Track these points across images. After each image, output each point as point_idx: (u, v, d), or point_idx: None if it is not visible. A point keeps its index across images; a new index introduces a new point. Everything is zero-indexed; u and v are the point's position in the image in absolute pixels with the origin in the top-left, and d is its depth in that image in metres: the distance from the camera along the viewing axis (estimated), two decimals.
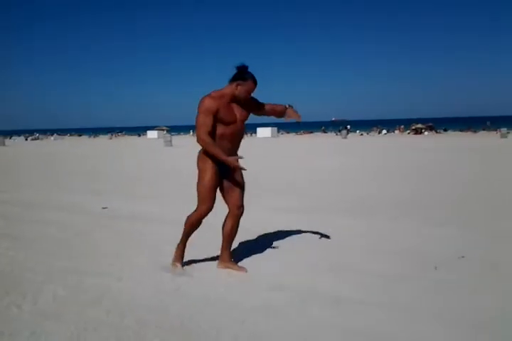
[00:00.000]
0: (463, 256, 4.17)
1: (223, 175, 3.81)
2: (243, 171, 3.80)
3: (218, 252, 4.05)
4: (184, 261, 4.07)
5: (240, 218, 3.88)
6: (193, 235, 3.96)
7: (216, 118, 3.60)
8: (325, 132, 60.06)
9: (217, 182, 3.78)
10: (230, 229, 3.89)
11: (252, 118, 3.93)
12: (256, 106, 3.89)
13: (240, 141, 3.85)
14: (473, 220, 5.73)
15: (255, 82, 3.65)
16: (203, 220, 3.87)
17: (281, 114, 3.99)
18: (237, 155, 3.80)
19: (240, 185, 3.84)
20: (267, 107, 3.96)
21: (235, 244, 4.62)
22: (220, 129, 3.65)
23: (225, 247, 3.96)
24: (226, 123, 3.64)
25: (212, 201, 3.76)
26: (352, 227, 5.43)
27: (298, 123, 3.97)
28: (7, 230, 5.52)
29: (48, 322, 2.90)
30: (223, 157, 3.56)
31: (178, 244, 4.00)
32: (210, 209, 3.78)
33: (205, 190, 3.72)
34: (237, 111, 3.71)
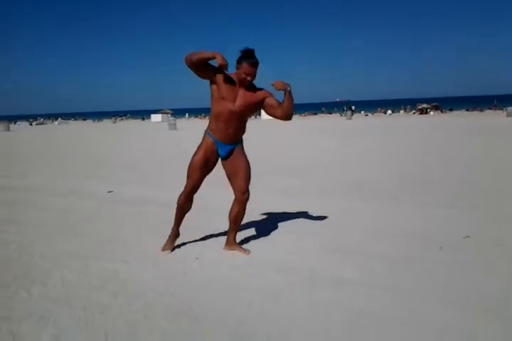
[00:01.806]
0: (468, 236, 4.18)
1: (227, 160, 3.81)
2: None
3: (225, 237, 4.10)
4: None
5: (245, 203, 3.87)
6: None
7: (214, 88, 3.64)
8: (329, 113, 59.73)
9: (207, 166, 3.79)
10: (236, 214, 3.91)
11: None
12: (269, 105, 3.76)
13: (238, 124, 3.75)
14: (479, 201, 5.71)
15: (251, 64, 3.55)
16: (193, 202, 3.97)
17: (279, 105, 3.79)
18: (238, 140, 3.82)
19: (244, 170, 3.81)
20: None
21: (242, 228, 4.66)
22: (217, 107, 3.68)
23: (231, 230, 4.00)
24: (222, 99, 3.63)
25: (196, 181, 3.80)
26: (356, 209, 5.43)
27: (285, 94, 3.62)
28: (14, 215, 5.56)
29: (57, 306, 2.94)
30: (209, 54, 3.45)
31: (172, 228, 4.07)
32: (193, 187, 3.84)
33: (191, 168, 3.79)
34: (243, 94, 3.66)
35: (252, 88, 3.72)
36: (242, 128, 3.83)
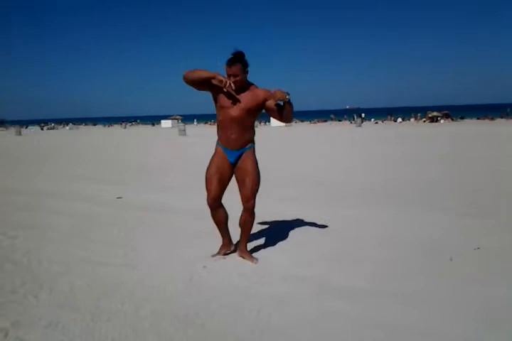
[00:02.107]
0: (478, 248, 4.12)
1: (236, 167, 3.82)
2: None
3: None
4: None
5: (250, 211, 3.84)
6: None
7: (215, 98, 3.73)
8: (339, 120, 59.62)
9: (222, 173, 3.81)
10: (243, 222, 3.90)
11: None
12: (271, 109, 3.72)
13: (240, 130, 3.73)
14: (492, 210, 5.64)
15: (229, 65, 3.56)
16: (224, 211, 4.00)
17: (280, 109, 3.72)
18: (244, 145, 3.79)
19: (250, 178, 3.76)
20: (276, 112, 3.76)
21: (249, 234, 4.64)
22: (219, 115, 3.75)
23: (241, 238, 3.99)
24: (221, 107, 3.70)
25: (213, 191, 3.83)
26: (365, 216, 5.40)
27: (285, 103, 3.57)
28: (24, 220, 5.59)
29: (64, 312, 2.94)
30: (209, 74, 3.54)
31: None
32: (212, 199, 3.86)
33: (206, 180, 3.85)
34: (241, 98, 3.67)
35: (251, 90, 3.69)
36: (246, 133, 3.78)
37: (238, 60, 3.58)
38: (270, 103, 3.66)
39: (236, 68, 3.55)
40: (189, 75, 3.61)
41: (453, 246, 4.20)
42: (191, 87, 3.71)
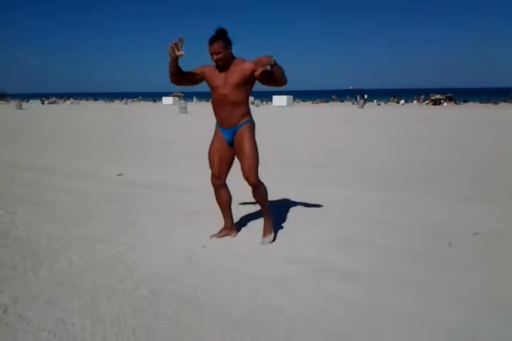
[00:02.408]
0: (477, 233, 4.12)
1: (234, 146, 3.80)
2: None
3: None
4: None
5: (256, 189, 3.80)
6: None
7: (207, 81, 3.76)
8: (341, 101, 59.22)
9: (222, 153, 3.83)
10: (255, 198, 3.89)
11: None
12: (261, 77, 3.59)
13: (230, 107, 3.67)
14: (496, 195, 5.61)
15: (209, 43, 3.54)
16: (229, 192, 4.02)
17: (267, 73, 3.56)
18: (237, 123, 3.72)
19: (246, 155, 3.70)
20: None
21: (250, 216, 4.64)
22: (211, 95, 3.78)
23: (262, 214, 4.02)
24: (212, 88, 3.73)
25: (215, 170, 3.87)
26: (368, 200, 5.38)
27: (272, 67, 3.40)
28: (24, 196, 5.59)
29: (63, 289, 2.95)
30: (169, 59, 3.54)
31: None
32: (214, 177, 3.90)
33: (209, 156, 3.90)
34: (227, 75, 3.63)
35: (238, 65, 3.62)
36: (237, 110, 3.69)
37: (218, 37, 3.53)
38: (258, 72, 3.56)
39: (217, 46, 3.52)
40: (170, 76, 3.66)
41: (453, 231, 4.19)
42: (187, 85, 3.81)
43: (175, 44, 3.43)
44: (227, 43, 3.57)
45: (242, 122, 3.73)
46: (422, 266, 3.36)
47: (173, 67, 3.56)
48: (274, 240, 3.92)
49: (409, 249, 3.73)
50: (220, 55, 3.53)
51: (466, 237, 4.02)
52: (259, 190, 3.82)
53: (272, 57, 3.37)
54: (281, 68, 3.46)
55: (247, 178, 3.74)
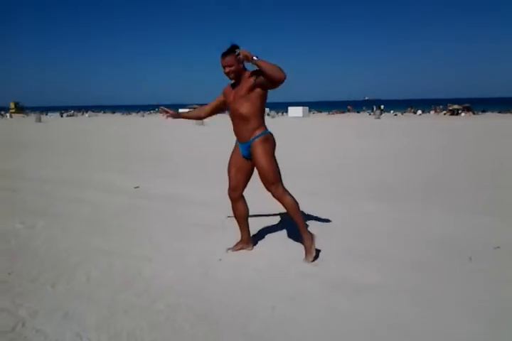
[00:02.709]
0: (498, 247, 4.04)
1: (252, 160, 3.80)
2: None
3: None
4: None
5: (280, 199, 3.75)
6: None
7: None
8: (357, 112, 59.03)
9: (239, 166, 3.86)
10: (286, 210, 3.82)
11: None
12: (261, 83, 3.56)
13: (241, 121, 3.68)
14: (510, 208, 5.52)
15: (221, 58, 3.64)
16: (246, 206, 4.03)
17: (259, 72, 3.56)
18: (249, 137, 3.71)
19: (261, 168, 3.68)
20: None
21: (267, 229, 4.63)
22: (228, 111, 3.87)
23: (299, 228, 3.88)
24: (227, 104, 3.85)
25: (232, 182, 3.90)
26: (384, 213, 5.33)
27: (257, 63, 3.41)
28: (42, 208, 5.66)
29: (81, 303, 2.97)
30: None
31: None
32: (230, 189, 3.94)
33: (227, 169, 3.95)
34: (236, 90, 3.71)
35: (246, 77, 3.65)
36: (247, 125, 3.68)
37: (231, 51, 3.61)
38: (258, 78, 3.54)
39: (229, 58, 3.59)
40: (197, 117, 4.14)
41: (471, 245, 4.12)
42: (223, 112, 4.15)
43: (164, 111, 4.04)
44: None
45: (254, 136, 3.70)
46: (439, 282, 3.31)
47: (189, 118, 4.04)
48: (314, 259, 3.75)
49: (426, 263, 3.68)
50: (232, 68, 3.60)
51: (486, 251, 3.95)
52: (283, 202, 3.75)
53: (248, 52, 3.46)
54: (267, 62, 3.42)
55: (268, 190, 3.76)
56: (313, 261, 3.74)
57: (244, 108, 3.63)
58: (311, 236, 3.79)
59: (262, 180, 3.72)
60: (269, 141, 3.74)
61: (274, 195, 3.75)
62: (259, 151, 3.68)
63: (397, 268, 3.56)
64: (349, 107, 62.86)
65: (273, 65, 3.39)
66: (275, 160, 3.76)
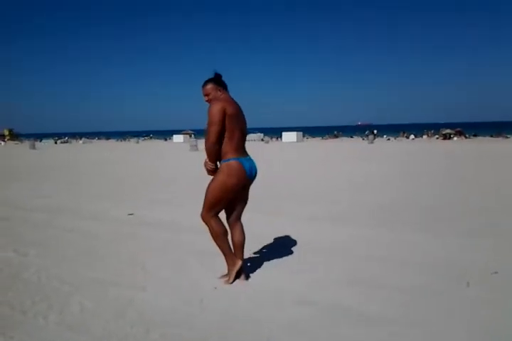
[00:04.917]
0: (496, 272, 4.02)
1: None
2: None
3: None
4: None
5: (203, 221, 3.90)
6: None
7: None
8: (351, 137, 59.51)
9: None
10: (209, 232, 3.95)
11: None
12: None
13: (210, 145, 3.70)
14: (507, 232, 5.52)
15: (202, 85, 3.80)
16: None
17: None
18: (215, 160, 3.79)
19: (205, 194, 3.84)
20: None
21: (258, 256, 4.60)
22: None
23: None
24: None
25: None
26: (379, 237, 5.31)
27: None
28: (35, 237, 5.60)
29: (74, 335, 2.91)
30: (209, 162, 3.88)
31: None
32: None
33: None
34: None
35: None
36: (211, 149, 3.70)
37: (210, 80, 3.77)
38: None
39: (207, 88, 3.75)
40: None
41: (469, 269, 4.10)
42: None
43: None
44: (219, 85, 3.76)
45: (221, 163, 3.77)
46: (439, 308, 3.27)
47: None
48: (230, 283, 3.83)
49: (425, 289, 3.65)
50: (209, 96, 3.74)
51: (484, 276, 3.92)
52: (207, 226, 3.86)
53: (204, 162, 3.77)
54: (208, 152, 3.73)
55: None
56: (232, 283, 3.83)
57: (208, 133, 3.70)
58: (235, 262, 3.86)
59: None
60: (227, 170, 3.70)
61: (201, 217, 3.86)
62: (216, 176, 3.76)
63: (397, 295, 3.51)
64: (335, 132, 63.39)
65: (208, 150, 3.71)
66: (226, 191, 3.72)
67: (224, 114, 3.59)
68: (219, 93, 3.73)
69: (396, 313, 3.19)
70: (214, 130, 3.60)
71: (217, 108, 3.59)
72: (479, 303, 3.34)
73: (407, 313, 3.18)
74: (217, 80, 3.78)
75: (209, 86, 3.74)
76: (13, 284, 3.89)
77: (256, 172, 3.89)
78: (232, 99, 3.80)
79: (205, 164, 3.79)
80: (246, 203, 4.00)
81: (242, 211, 4.00)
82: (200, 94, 3.83)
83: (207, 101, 3.75)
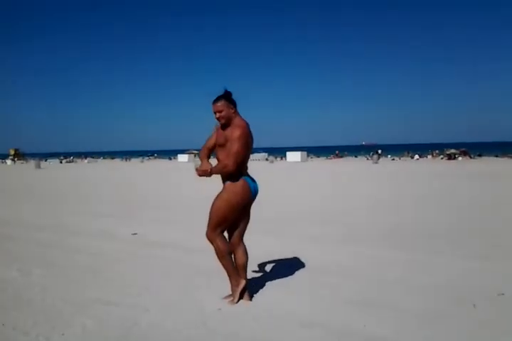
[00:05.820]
0: (502, 294, 3.97)
1: None
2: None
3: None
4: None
5: (208, 240, 3.88)
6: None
7: None
8: (355, 156, 59.56)
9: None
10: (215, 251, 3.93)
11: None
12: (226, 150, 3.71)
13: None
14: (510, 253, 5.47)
15: (212, 102, 3.76)
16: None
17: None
18: (223, 180, 3.82)
19: (209, 213, 3.84)
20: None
21: (265, 277, 4.55)
22: None
23: None
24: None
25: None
26: (385, 259, 5.26)
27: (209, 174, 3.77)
28: (39, 257, 5.58)
29: None
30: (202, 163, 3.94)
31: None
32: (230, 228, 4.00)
33: None
34: (221, 134, 3.77)
35: (232, 126, 3.69)
36: (233, 169, 3.67)
37: (222, 97, 3.74)
38: (229, 144, 3.63)
39: (219, 105, 3.71)
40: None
41: (476, 291, 4.05)
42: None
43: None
44: (231, 103, 3.74)
45: (226, 180, 3.78)
46: (446, 330, 3.22)
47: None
48: (235, 303, 3.81)
49: (432, 310, 3.59)
50: (222, 114, 3.70)
51: (490, 298, 3.87)
52: (212, 245, 3.84)
53: (208, 170, 3.69)
54: (216, 168, 3.68)
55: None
56: (236, 303, 3.81)
57: (221, 154, 3.73)
58: (239, 282, 3.84)
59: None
60: (234, 190, 3.73)
61: (206, 235, 3.83)
62: (219, 195, 3.79)
63: (403, 317, 3.46)
64: (337, 152, 63.42)
65: (220, 169, 3.66)
66: (231, 209, 3.73)
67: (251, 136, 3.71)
68: (231, 110, 3.72)
69: (404, 336, 3.13)
70: (243, 152, 3.63)
71: (248, 130, 3.68)
72: (487, 325, 3.29)
73: (416, 336, 3.13)
74: (228, 97, 3.76)
75: (221, 103, 3.70)
76: (17, 304, 3.86)
77: (257, 192, 3.90)
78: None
79: (202, 171, 3.75)
80: (248, 222, 3.99)
81: (244, 230, 3.98)
82: (203, 112, 3.86)
83: (217, 118, 3.73)
